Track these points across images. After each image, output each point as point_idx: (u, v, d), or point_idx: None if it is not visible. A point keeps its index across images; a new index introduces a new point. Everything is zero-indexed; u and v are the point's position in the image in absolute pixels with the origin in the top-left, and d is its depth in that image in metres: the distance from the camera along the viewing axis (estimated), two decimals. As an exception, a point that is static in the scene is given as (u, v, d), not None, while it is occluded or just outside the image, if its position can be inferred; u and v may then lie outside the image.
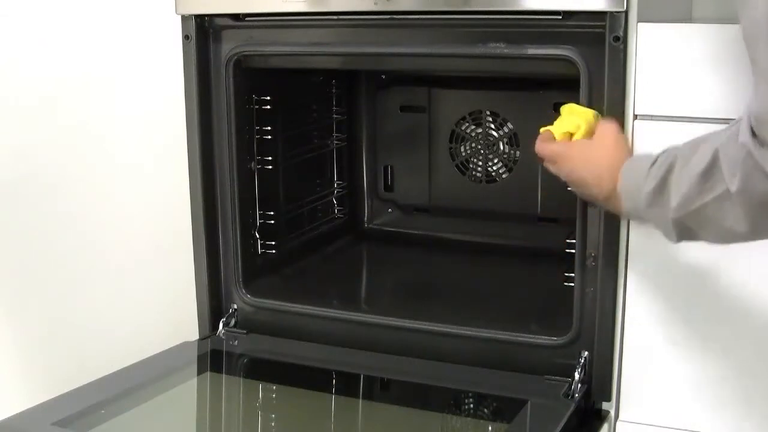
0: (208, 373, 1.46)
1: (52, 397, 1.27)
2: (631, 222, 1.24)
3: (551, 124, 1.25)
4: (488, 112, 1.82)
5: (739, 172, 0.84)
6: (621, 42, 1.19)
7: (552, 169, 1.21)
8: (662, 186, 0.95)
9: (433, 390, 1.38)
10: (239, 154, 1.51)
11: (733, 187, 0.85)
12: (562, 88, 1.55)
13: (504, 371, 1.35)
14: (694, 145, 0.94)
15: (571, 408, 1.23)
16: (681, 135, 1.19)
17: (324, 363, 1.43)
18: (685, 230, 0.96)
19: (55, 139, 1.72)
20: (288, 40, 1.43)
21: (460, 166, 1.87)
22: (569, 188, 1.23)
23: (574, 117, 1.22)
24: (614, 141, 1.15)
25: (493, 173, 1.84)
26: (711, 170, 0.88)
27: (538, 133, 1.18)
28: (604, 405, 1.31)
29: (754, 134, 0.82)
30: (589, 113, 1.22)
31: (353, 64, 1.66)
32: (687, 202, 0.92)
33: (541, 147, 1.22)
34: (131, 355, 1.39)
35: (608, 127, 1.17)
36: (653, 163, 0.99)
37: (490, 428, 1.32)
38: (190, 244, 1.52)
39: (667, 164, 0.96)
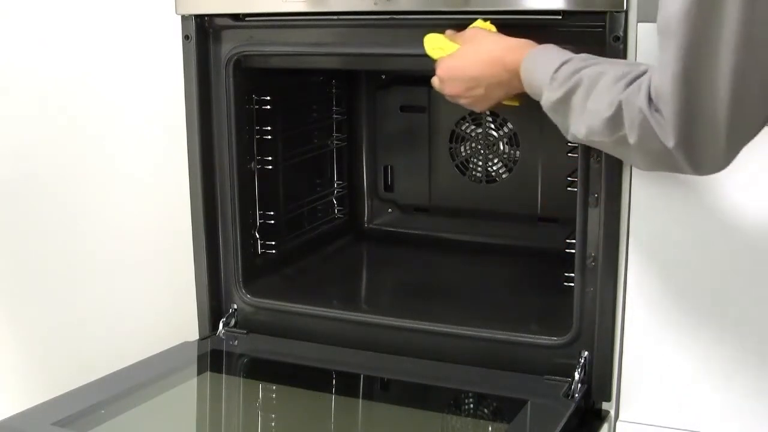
0: (208, 373, 1.46)
1: (52, 397, 1.27)
2: (631, 222, 1.24)
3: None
4: (488, 112, 1.82)
5: (636, 130, 0.96)
6: (621, 42, 1.19)
7: (449, 88, 1.23)
8: (565, 101, 1.05)
9: (433, 390, 1.38)
10: (239, 154, 1.51)
11: (632, 140, 0.98)
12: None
13: (504, 371, 1.35)
14: (594, 76, 1.03)
15: (571, 408, 1.23)
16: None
17: (324, 363, 1.43)
18: (582, 141, 1.09)
19: (55, 139, 1.72)
20: (288, 40, 1.43)
21: (460, 166, 1.87)
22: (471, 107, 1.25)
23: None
24: (487, 33, 1.22)
25: (493, 173, 1.84)
26: (615, 120, 0.99)
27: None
28: (604, 405, 1.31)
29: (650, 100, 0.94)
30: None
31: (353, 64, 1.66)
32: (592, 134, 1.03)
33: (434, 78, 1.26)
34: (131, 355, 1.39)
35: (473, 30, 1.23)
36: (558, 69, 1.07)
37: (490, 428, 1.32)
38: (190, 244, 1.52)
39: (571, 84, 1.05)
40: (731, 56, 0.88)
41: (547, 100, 1.08)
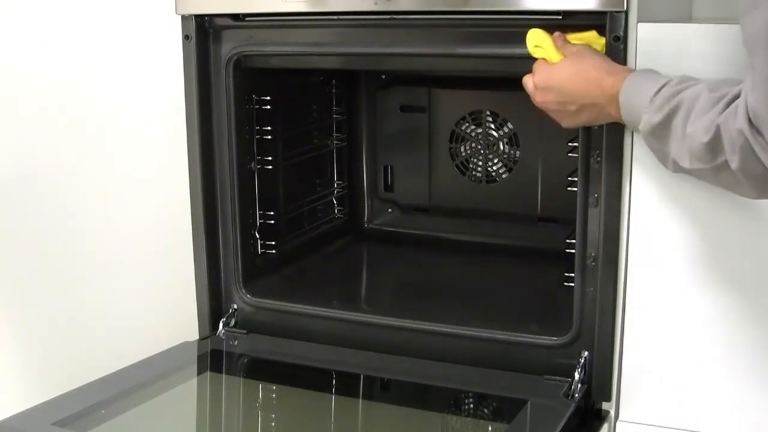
0: (208, 373, 1.46)
1: (52, 397, 1.27)
2: (631, 222, 1.24)
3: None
4: (488, 112, 1.82)
5: (738, 154, 0.92)
6: (621, 42, 1.19)
7: (541, 96, 1.20)
8: (665, 124, 1.02)
9: (433, 390, 1.38)
10: (239, 154, 1.51)
11: (734, 165, 0.93)
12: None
13: (504, 371, 1.35)
14: (693, 98, 0.99)
15: (571, 408, 1.23)
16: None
17: (324, 363, 1.44)
18: (683, 172, 1.05)
19: (55, 139, 1.72)
20: (288, 40, 1.43)
21: (460, 166, 1.87)
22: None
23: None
24: (594, 52, 1.18)
25: (493, 173, 1.84)
26: (714, 144, 0.95)
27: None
28: (604, 405, 1.31)
29: (750, 122, 0.89)
30: (589, 37, 1.21)
31: (353, 64, 1.66)
32: (694, 161, 0.99)
33: (527, 78, 1.22)
34: (131, 355, 1.39)
35: (581, 46, 1.20)
36: (657, 92, 1.04)
37: (490, 428, 1.32)
38: (190, 244, 1.52)
39: (672, 105, 1.01)
40: None
41: (647, 124, 1.05)
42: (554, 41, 1.20)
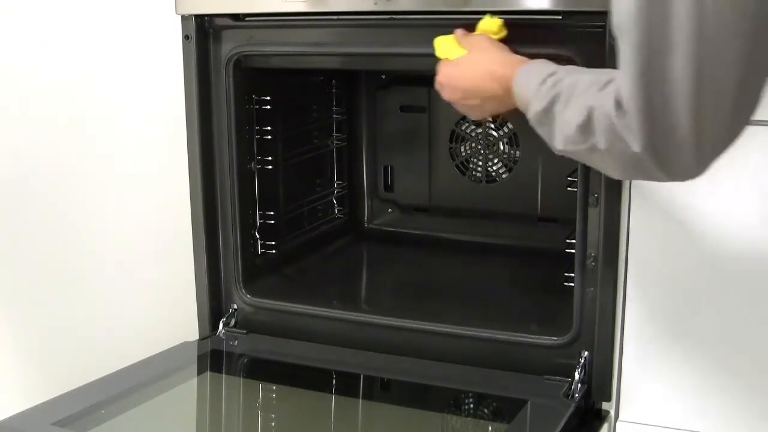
0: (208, 373, 1.46)
1: (52, 397, 1.27)
2: (631, 222, 1.24)
3: None
4: (488, 112, 1.81)
5: (605, 135, 0.96)
6: (621, 42, 1.18)
7: (447, 93, 1.25)
8: (548, 111, 1.06)
9: (433, 390, 1.38)
10: (239, 154, 1.51)
11: (602, 146, 0.97)
12: (562, 88, 1.55)
13: (504, 371, 1.35)
14: (572, 85, 1.03)
15: (571, 408, 1.23)
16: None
17: (324, 363, 1.44)
18: (566, 154, 1.08)
19: (55, 139, 1.72)
20: (288, 40, 1.43)
21: (460, 166, 1.87)
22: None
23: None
24: (491, 43, 1.23)
25: (493, 173, 1.84)
26: (586, 126, 0.99)
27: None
28: (604, 405, 1.31)
29: (617, 104, 0.94)
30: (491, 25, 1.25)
31: (353, 64, 1.66)
32: (567, 143, 1.03)
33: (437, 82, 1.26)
34: (131, 355, 1.39)
35: (479, 36, 1.25)
36: (543, 81, 1.08)
37: (490, 428, 1.32)
38: (190, 244, 1.52)
39: (553, 94, 1.05)
40: (685, 54, 0.87)
41: (533, 112, 1.09)
42: (457, 39, 1.25)
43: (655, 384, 1.27)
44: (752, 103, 0.92)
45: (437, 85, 1.26)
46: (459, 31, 1.27)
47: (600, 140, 0.97)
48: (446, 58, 1.25)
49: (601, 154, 0.99)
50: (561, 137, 1.04)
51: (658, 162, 0.93)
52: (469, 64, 1.22)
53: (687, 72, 0.87)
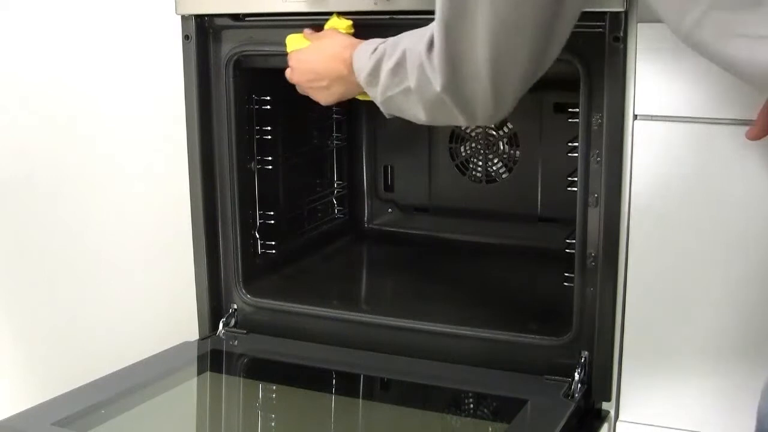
0: (208, 373, 1.46)
1: (52, 397, 1.27)
2: (631, 222, 1.24)
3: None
4: (488, 112, 1.81)
5: (415, 74, 1.04)
6: (621, 42, 1.19)
7: (296, 77, 1.32)
8: (375, 71, 1.14)
9: (433, 390, 1.38)
10: (239, 154, 1.51)
11: (412, 85, 1.06)
12: (562, 88, 1.55)
13: (504, 371, 1.35)
14: (398, 39, 1.12)
15: (571, 408, 1.23)
16: (681, 135, 1.20)
17: (324, 363, 1.43)
18: (390, 110, 1.18)
19: (55, 139, 1.72)
20: (288, 40, 1.43)
21: (460, 166, 1.87)
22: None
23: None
24: (337, 33, 1.31)
25: (493, 173, 1.84)
26: (398, 68, 1.07)
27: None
28: (604, 405, 1.31)
29: (429, 44, 1.01)
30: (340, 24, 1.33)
31: (353, 64, 1.66)
32: (384, 90, 1.12)
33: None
34: (131, 355, 1.39)
35: (328, 31, 1.33)
36: (374, 50, 1.15)
37: (490, 428, 1.32)
38: (190, 244, 1.52)
39: (380, 53, 1.13)
40: (486, 8, 0.93)
41: (365, 75, 1.15)
42: (305, 36, 1.34)
43: (655, 384, 1.27)
44: (555, 46, 1.00)
45: (288, 72, 1.33)
46: (307, 30, 1.35)
47: (411, 79, 1.05)
48: (293, 50, 1.34)
49: (412, 95, 1.06)
50: (381, 87, 1.12)
51: (457, 103, 1.01)
52: (317, 49, 1.29)
53: (487, 20, 0.94)
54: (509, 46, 0.96)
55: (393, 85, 1.10)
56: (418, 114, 1.12)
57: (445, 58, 0.99)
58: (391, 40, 1.14)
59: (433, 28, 1.01)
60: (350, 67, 1.21)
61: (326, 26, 1.34)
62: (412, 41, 1.07)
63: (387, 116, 1.21)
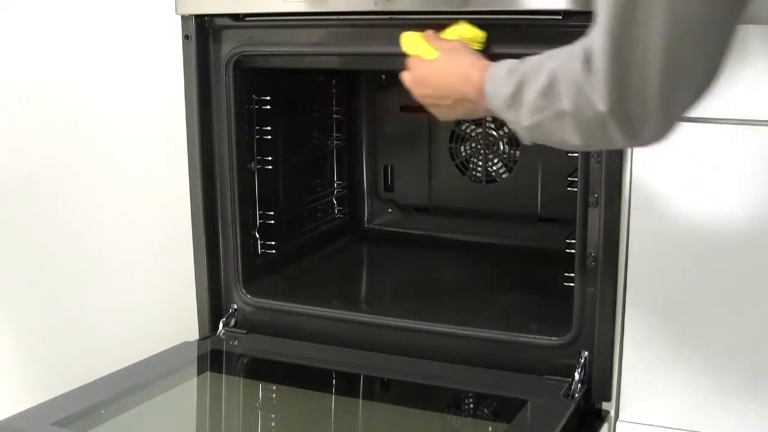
0: (208, 373, 1.46)
1: (52, 397, 1.27)
2: (631, 222, 1.24)
3: None
4: (488, 112, 1.81)
5: (572, 96, 0.95)
6: (621, 42, 1.18)
7: (419, 90, 1.24)
8: (517, 93, 1.05)
9: (433, 390, 1.38)
10: (239, 154, 1.51)
11: (567, 107, 0.97)
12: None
13: (504, 371, 1.35)
14: (541, 60, 1.03)
15: (571, 408, 1.23)
16: (681, 135, 1.20)
17: (324, 363, 1.43)
18: (534, 136, 1.07)
19: (55, 139, 1.72)
20: (288, 40, 1.43)
21: (460, 166, 1.87)
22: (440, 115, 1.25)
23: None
24: (466, 48, 1.23)
25: (493, 173, 1.84)
26: (550, 90, 0.99)
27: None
28: (604, 405, 1.31)
29: (585, 63, 0.93)
30: (471, 33, 1.26)
31: (353, 64, 1.66)
32: (531, 114, 1.02)
33: (405, 74, 1.25)
34: (131, 355, 1.39)
35: (455, 43, 1.25)
36: (511, 70, 1.08)
37: (490, 428, 1.32)
38: (190, 244, 1.51)
39: (520, 75, 1.05)
40: (661, 12, 0.86)
41: (503, 99, 1.07)
42: (427, 39, 1.25)
43: (655, 384, 1.27)
44: (724, 59, 0.91)
45: (408, 79, 1.25)
46: (431, 33, 1.27)
47: (566, 102, 0.96)
48: (417, 56, 1.25)
49: (566, 118, 0.98)
50: (527, 111, 1.03)
51: (622, 124, 0.92)
52: (444, 67, 1.21)
53: (662, 29, 0.86)
54: (687, 54, 0.88)
55: (543, 108, 1.00)
56: (569, 139, 1.01)
57: (610, 75, 0.90)
58: (529, 60, 1.05)
59: (590, 43, 0.92)
60: (479, 90, 1.12)
61: (451, 33, 1.27)
62: (559, 61, 0.98)
63: (526, 142, 1.09)
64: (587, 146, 1.08)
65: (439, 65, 1.22)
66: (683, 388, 1.25)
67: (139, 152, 1.66)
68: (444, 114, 1.24)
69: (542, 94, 0.99)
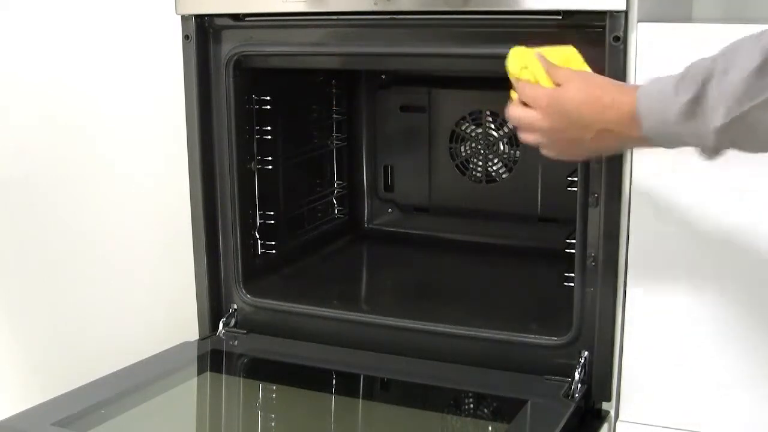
0: (208, 373, 1.46)
1: (52, 397, 1.27)
2: (631, 222, 1.24)
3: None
4: (488, 112, 1.82)
5: None
6: (621, 42, 1.19)
7: (550, 122, 1.05)
8: (700, 96, 0.90)
9: (433, 390, 1.38)
10: (239, 154, 1.51)
11: None
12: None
13: (504, 371, 1.35)
14: (732, 50, 0.90)
15: (571, 408, 1.23)
16: (681, 135, 1.20)
17: (324, 363, 1.44)
18: (726, 140, 0.92)
19: (55, 140, 1.72)
20: (288, 40, 1.43)
21: (460, 166, 1.87)
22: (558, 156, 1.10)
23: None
24: (593, 75, 1.07)
25: (493, 173, 1.84)
26: (764, 68, 0.85)
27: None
28: (604, 405, 1.31)
29: None
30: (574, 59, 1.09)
31: (353, 64, 1.66)
32: (736, 105, 0.87)
33: (517, 110, 1.08)
34: (131, 355, 1.39)
35: (571, 70, 1.08)
36: (681, 77, 0.94)
37: (490, 428, 1.32)
38: (190, 244, 1.52)
39: (703, 74, 0.91)
40: None
41: (678, 110, 0.92)
42: (545, 68, 1.08)
43: (655, 384, 1.27)
44: None
45: (531, 116, 1.06)
46: (540, 55, 1.08)
47: None
48: (527, 78, 1.08)
49: None
50: (723, 107, 0.88)
51: None
52: (580, 91, 1.02)
53: None
54: None
55: (757, 91, 0.85)
56: None
57: None
58: (699, 62, 0.93)
59: None
60: (631, 115, 0.97)
61: (554, 55, 1.09)
62: (763, 41, 0.85)
63: (711, 158, 0.95)
64: None
65: (574, 91, 1.03)
66: (683, 388, 1.25)
67: (139, 152, 1.66)
68: (579, 152, 1.09)
69: (756, 74, 0.85)
